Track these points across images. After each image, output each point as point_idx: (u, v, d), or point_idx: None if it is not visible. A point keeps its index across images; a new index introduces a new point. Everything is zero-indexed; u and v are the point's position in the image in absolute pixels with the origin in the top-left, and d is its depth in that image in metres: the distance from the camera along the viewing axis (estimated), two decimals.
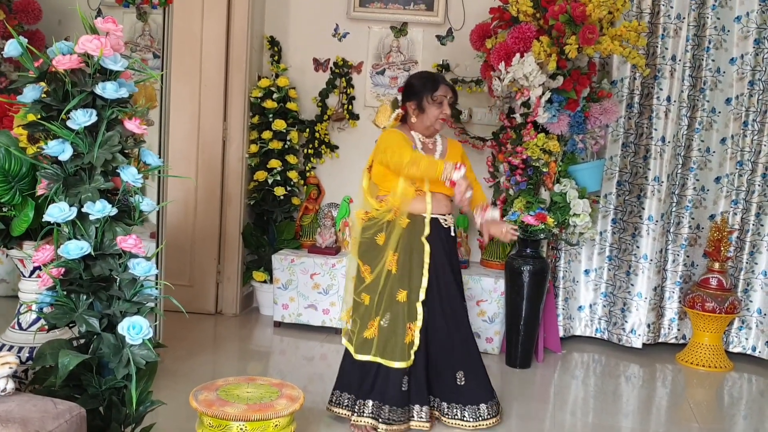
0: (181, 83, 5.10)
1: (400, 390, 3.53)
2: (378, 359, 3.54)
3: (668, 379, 4.89)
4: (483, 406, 3.68)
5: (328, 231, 5.28)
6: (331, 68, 5.47)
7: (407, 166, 3.40)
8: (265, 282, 5.41)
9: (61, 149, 2.41)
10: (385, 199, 3.61)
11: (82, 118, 2.39)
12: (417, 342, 3.53)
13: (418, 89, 3.64)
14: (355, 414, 3.59)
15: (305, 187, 5.55)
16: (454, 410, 3.68)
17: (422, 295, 3.55)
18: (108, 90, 2.42)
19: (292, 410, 2.70)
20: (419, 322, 3.53)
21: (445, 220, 3.67)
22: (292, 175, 5.42)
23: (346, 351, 3.70)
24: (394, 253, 3.55)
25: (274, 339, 5.12)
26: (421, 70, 4.18)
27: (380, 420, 3.52)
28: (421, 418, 3.59)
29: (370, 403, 3.55)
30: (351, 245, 3.76)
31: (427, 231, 3.57)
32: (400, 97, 3.77)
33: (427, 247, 3.56)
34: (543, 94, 4.38)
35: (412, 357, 3.53)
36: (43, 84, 2.48)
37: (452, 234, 3.71)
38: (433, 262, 3.57)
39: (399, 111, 3.73)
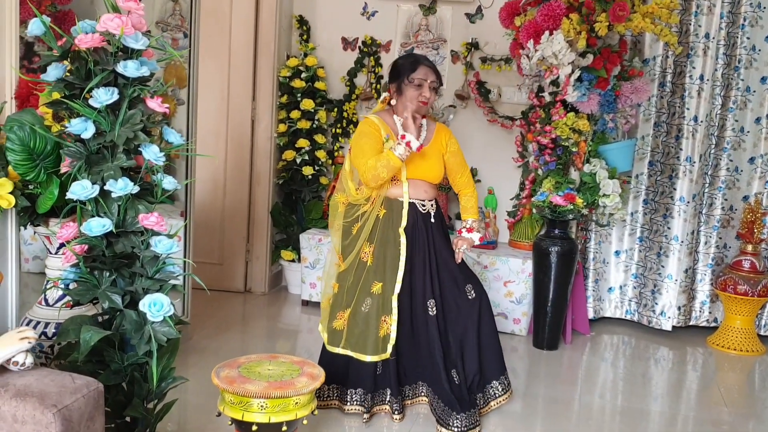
0: (211, 63, 5.12)
1: (374, 375, 3.49)
2: (348, 352, 3.46)
3: (699, 363, 4.83)
4: (455, 415, 3.39)
5: None
6: (359, 47, 5.45)
7: (365, 174, 3.34)
8: (293, 261, 5.44)
9: (83, 127, 2.43)
10: (361, 187, 3.49)
11: (103, 97, 2.40)
12: (393, 336, 3.42)
13: (398, 71, 3.46)
14: (347, 404, 3.55)
15: (333, 166, 5.55)
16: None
17: (398, 288, 3.42)
18: (129, 68, 2.43)
19: (312, 388, 2.71)
20: (394, 316, 3.41)
21: (423, 205, 3.53)
22: (321, 154, 5.42)
23: (323, 342, 3.62)
24: (370, 244, 3.45)
25: (302, 317, 5.15)
26: (408, 53, 3.91)
27: (364, 405, 3.51)
28: (391, 403, 3.53)
29: (355, 391, 3.52)
30: (333, 229, 3.63)
31: (404, 222, 3.45)
32: (388, 77, 3.63)
33: (403, 239, 3.43)
34: (572, 72, 4.32)
35: (389, 350, 3.42)
36: (66, 63, 2.50)
37: (433, 220, 3.55)
38: (410, 254, 3.45)
39: (385, 94, 3.59)
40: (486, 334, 3.55)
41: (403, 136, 3.33)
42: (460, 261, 3.59)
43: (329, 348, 3.53)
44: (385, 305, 3.43)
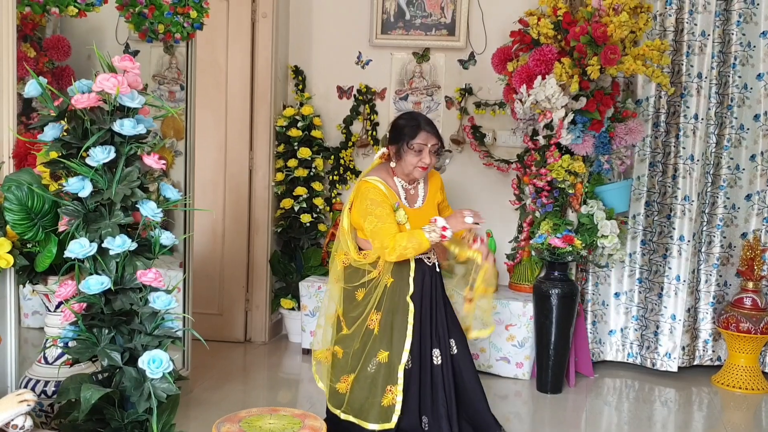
0: (207, 114, 5.17)
1: None
2: (350, 418, 3.38)
3: (704, 403, 4.79)
4: None
5: None
6: (354, 95, 5.50)
7: (392, 253, 3.26)
8: (293, 309, 5.42)
9: (81, 186, 2.45)
10: (364, 252, 3.43)
11: (100, 155, 2.42)
12: (398, 408, 3.33)
13: (398, 134, 3.41)
14: None
15: (331, 213, 5.57)
16: None
17: (405, 358, 3.35)
18: (126, 127, 2.46)
19: None
20: (400, 387, 3.34)
21: (429, 258, 3.49)
22: (318, 201, 5.44)
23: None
24: (377, 312, 3.39)
25: (303, 366, 5.12)
26: (409, 111, 3.77)
27: None
28: None
29: None
30: (333, 287, 3.56)
31: (411, 290, 3.40)
32: (388, 135, 3.57)
33: (411, 307, 3.38)
34: (566, 115, 4.35)
35: (393, 420, 3.33)
36: (63, 122, 2.53)
37: (438, 269, 3.53)
38: (418, 321, 3.40)
39: (384, 150, 3.54)
40: (477, 387, 3.55)
41: (444, 227, 3.24)
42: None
43: (330, 408, 3.48)
44: (391, 375, 3.36)
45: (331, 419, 3.49)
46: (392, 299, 3.40)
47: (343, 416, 3.40)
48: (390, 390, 3.35)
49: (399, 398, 3.34)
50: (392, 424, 3.34)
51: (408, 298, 3.40)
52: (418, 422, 3.43)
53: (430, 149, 3.39)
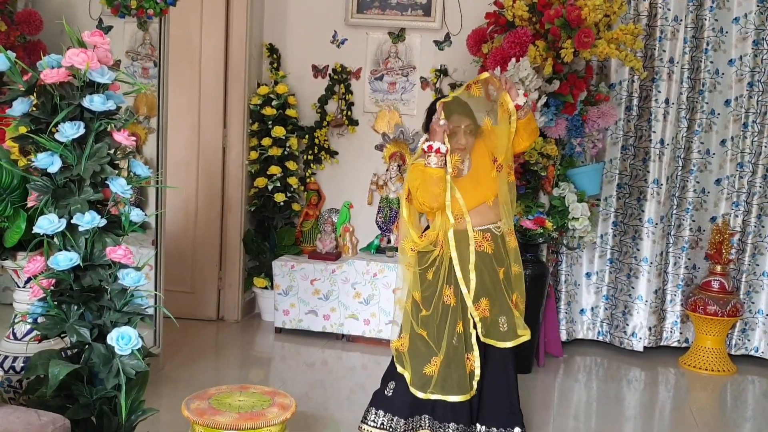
0: (181, 91, 5.13)
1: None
2: (438, 396, 3.38)
3: (671, 383, 4.87)
4: None
5: (329, 237, 5.30)
6: (329, 75, 5.48)
7: (422, 205, 3.33)
8: (266, 288, 5.43)
9: (50, 162, 2.43)
10: (425, 234, 3.45)
11: (70, 131, 2.40)
12: (478, 372, 3.40)
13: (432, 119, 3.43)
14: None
15: (305, 193, 5.56)
16: None
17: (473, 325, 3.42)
18: (95, 102, 2.43)
19: (283, 419, 2.71)
20: (476, 352, 3.40)
21: (498, 227, 3.47)
22: (292, 181, 5.43)
23: (400, 377, 3.48)
24: (449, 286, 3.40)
25: (276, 345, 5.14)
26: (440, 96, 3.71)
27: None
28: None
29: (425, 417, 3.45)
30: (405, 275, 3.52)
31: (473, 259, 3.39)
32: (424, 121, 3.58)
33: (472, 276, 3.39)
34: (539, 98, 4.37)
35: (474, 387, 3.40)
36: (32, 97, 2.51)
37: (508, 238, 3.49)
38: (479, 288, 3.42)
39: (426, 136, 3.48)
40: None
41: (429, 147, 3.25)
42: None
43: (413, 390, 3.42)
44: (467, 343, 3.41)
45: (403, 394, 3.48)
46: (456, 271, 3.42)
47: (433, 397, 3.40)
48: (468, 358, 3.40)
49: (477, 363, 3.40)
50: (473, 391, 3.39)
51: (470, 267, 3.39)
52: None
53: (464, 130, 3.41)
